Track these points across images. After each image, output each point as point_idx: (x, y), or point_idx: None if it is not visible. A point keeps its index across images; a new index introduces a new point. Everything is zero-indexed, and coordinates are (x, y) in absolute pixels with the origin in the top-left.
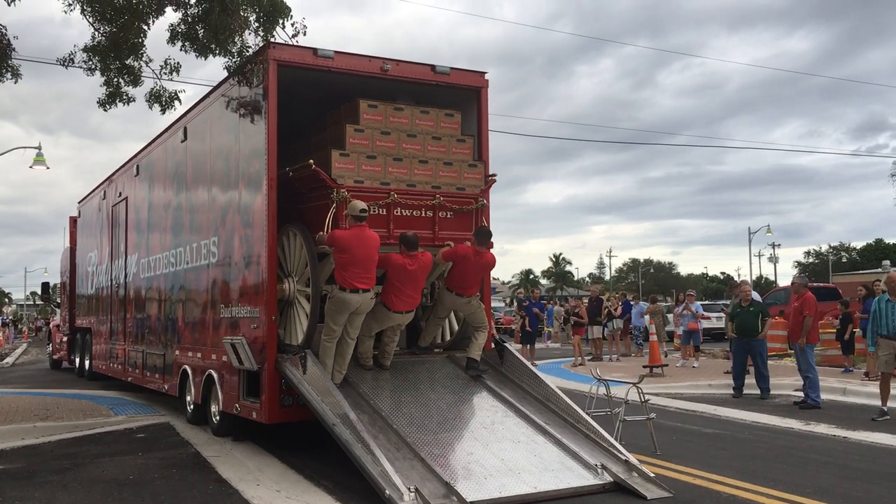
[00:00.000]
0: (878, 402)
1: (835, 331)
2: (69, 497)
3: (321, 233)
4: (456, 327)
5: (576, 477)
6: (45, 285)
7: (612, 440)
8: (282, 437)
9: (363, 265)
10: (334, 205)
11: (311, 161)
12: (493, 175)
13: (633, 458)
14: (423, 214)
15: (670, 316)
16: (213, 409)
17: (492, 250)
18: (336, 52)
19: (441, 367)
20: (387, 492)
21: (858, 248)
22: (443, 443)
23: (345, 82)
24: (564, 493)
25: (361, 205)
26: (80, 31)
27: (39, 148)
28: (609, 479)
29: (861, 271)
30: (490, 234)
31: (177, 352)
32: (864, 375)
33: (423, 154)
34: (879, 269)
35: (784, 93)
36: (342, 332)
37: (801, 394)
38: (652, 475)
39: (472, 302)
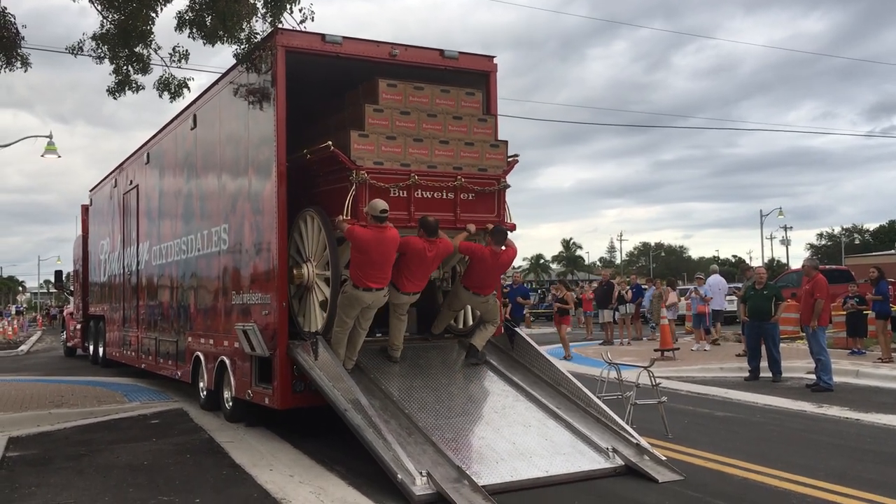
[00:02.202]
0: (892, 385)
1: (845, 313)
2: (85, 483)
3: (340, 217)
4: (470, 320)
5: (587, 461)
6: (58, 273)
7: (623, 424)
8: (294, 422)
9: (380, 267)
10: (353, 187)
11: (330, 143)
12: (516, 155)
13: (644, 442)
14: (445, 196)
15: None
16: (226, 395)
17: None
18: (344, 37)
19: (452, 352)
20: (399, 476)
21: (871, 229)
22: (454, 427)
23: (354, 68)
24: (576, 476)
25: (382, 204)
26: (95, 19)
27: (51, 137)
28: (620, 462)
29: (874, 253)
30: (506, 234)
31: (189, 338)
32: (879, 359)
33: (444, 134)
34: (893, 251)
35: (799, 74)
36: (354, 323)
37: (814, 376)
38: (663, 458)
39: (489, 301)
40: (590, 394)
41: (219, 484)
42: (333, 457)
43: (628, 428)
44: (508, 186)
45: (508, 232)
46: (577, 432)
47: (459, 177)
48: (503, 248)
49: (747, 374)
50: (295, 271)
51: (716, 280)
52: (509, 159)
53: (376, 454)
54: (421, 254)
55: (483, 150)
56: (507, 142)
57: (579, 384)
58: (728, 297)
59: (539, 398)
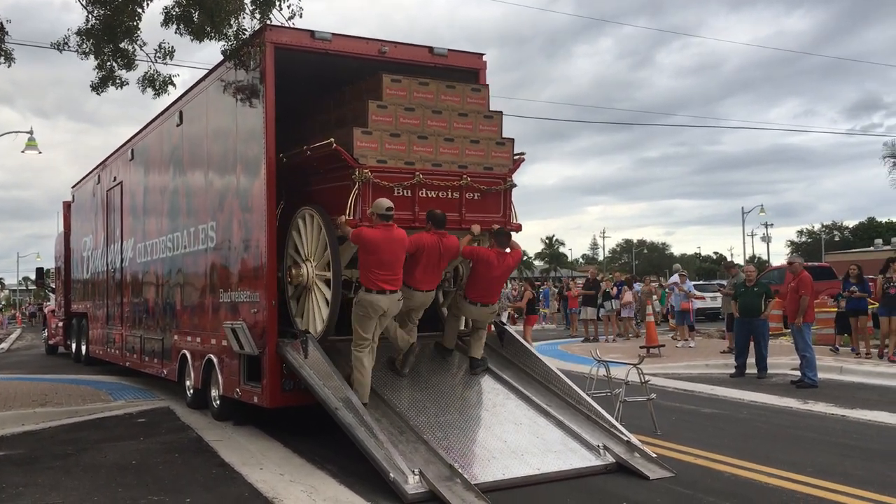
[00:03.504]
0: (876, 381)
1: (835, 310)
2: (73, 482)
3: (342, 218)
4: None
5: (578, 458)
6: (39, 270)
7: (613, 421)
8: (282, 420)
9: (391, 267)
10: (357, 186)
11: (332, 140)
12: (522, 154)
13: (634, 439)
14: (450, 196)
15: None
16: (214, 393)
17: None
18: (334, 34)
19: (443, 351)
20: (391, 475)
21: (851, 226)
22: (446, 426)
23: (343, 64)
24: (567, 474)
25: (387, 202)
26: (79, 15)
27: (31, 132)
28: (611, 459)
29: (853, 250)
30: (510, 235)
31: (175, 336)
32: (857, 355)
33: (449, 132)
34: (871, 248)
35: (781, 72)
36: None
37: (799, 373)
38: (654, 455)
39: (495, 308)
40: (580, 391)
41: (209, 483)
42: (324, 455)
43: (619, 425)
44: (515, 186)
45: (513, 233)
46: (567, 430)
47: (465, 175)
48: (507, 250)
49: (733, 371)
50: (294, 271)
51: (678, 279)
52: (515, 157)
53: (368, 453)
54: (433, 248)
55: (489, 148)
56: (513, 139)
57: (569, 382)
58: (711, 295)
59: (530, 396)
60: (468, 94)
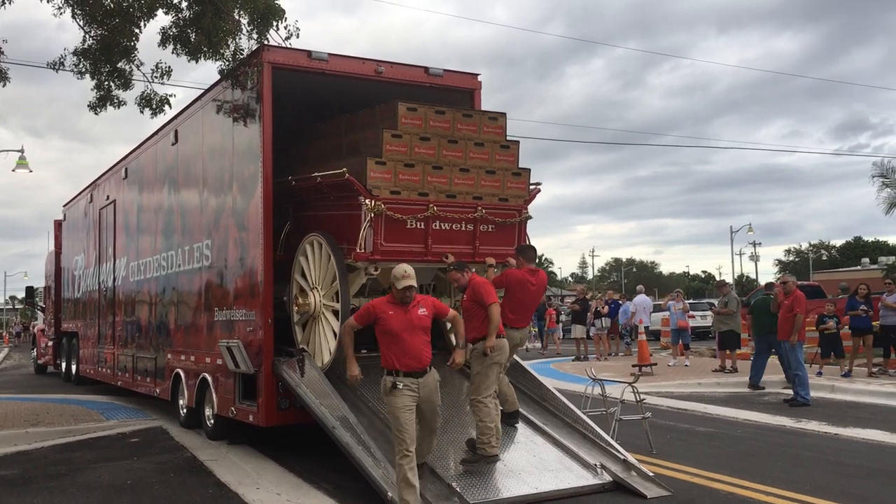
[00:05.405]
0: (867, 399)
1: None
2: (69, 503)
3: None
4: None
5: (575, 477)
6: (29, 289)
7: (609, 440)
8: (277, 439)
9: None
10: (368, 218)
11: (345, 169)
12: (538, 184)
13: (631, 458)
14: (464, 228)
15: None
16: (208, 412)
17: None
18: (330, 54)
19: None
20: (389, 494)
21: (838, 245)
22: (443, 445)
23: (340, 84)
24: (565, 493)
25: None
26: (75, 34)
27: (22, 151)
28: (608, 478)
29: (841, 269)
30: (535, 249)
31: (169, 355)
32: (869, 374)
33: (465, 162)
34: (858, 267)
35: (770, 93)
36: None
37: (791, 391)
38: (651, 474)
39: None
40: (576, 410)
41: (206, 502)
42: (320, 474)
43: (615, 444)
44: (530, 218)
45: None
46: (564, 448)
47: (480, 207)
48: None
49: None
50: (300, 300)
51: (641, 299)
52: (531, 188)
53: (366, 472)
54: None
55: (505, 179)
56: (529, 170)
57: (565, 400)
58: (701, 314)
59: (526, 415)
60: (485, 123)
